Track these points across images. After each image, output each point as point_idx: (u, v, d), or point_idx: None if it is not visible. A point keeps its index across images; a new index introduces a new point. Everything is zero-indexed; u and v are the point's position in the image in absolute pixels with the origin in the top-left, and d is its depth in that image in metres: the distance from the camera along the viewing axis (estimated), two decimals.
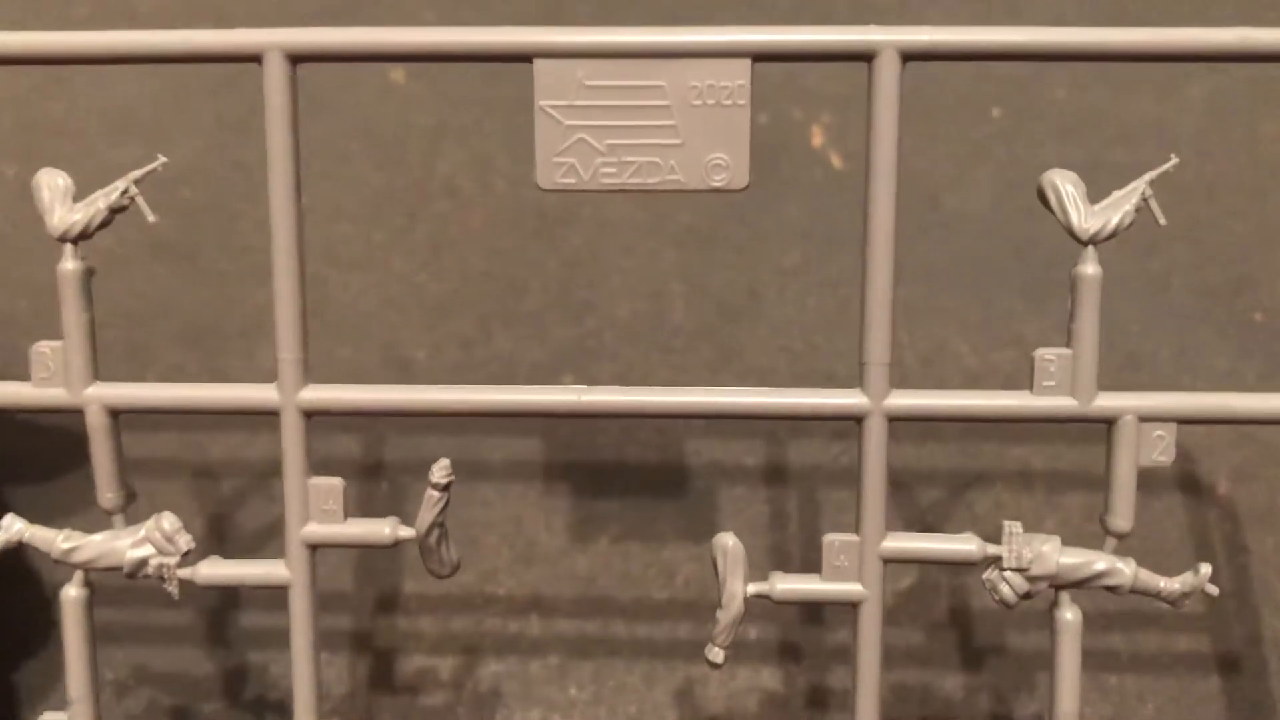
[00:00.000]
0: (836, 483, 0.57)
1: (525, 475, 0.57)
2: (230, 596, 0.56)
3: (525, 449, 0.58)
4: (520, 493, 0.57)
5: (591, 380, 0.58)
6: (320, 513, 0.43)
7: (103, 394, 0.42)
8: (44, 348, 0.42)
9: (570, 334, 0.59)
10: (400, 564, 0.57)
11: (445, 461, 0.42)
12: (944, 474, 0.56)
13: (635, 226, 0.60)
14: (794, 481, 0.57)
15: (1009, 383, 0.52)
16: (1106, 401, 0.42)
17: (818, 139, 0.61)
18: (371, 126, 0.62)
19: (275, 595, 0.54)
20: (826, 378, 0.57)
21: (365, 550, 0.54)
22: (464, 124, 0.62)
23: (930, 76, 0.61)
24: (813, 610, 0.55)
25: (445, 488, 0.42)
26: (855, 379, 0.42)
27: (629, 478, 0.57)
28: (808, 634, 0.55)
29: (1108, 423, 0.42)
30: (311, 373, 0.43)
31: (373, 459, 0.58)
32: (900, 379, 0.53)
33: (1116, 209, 0.42)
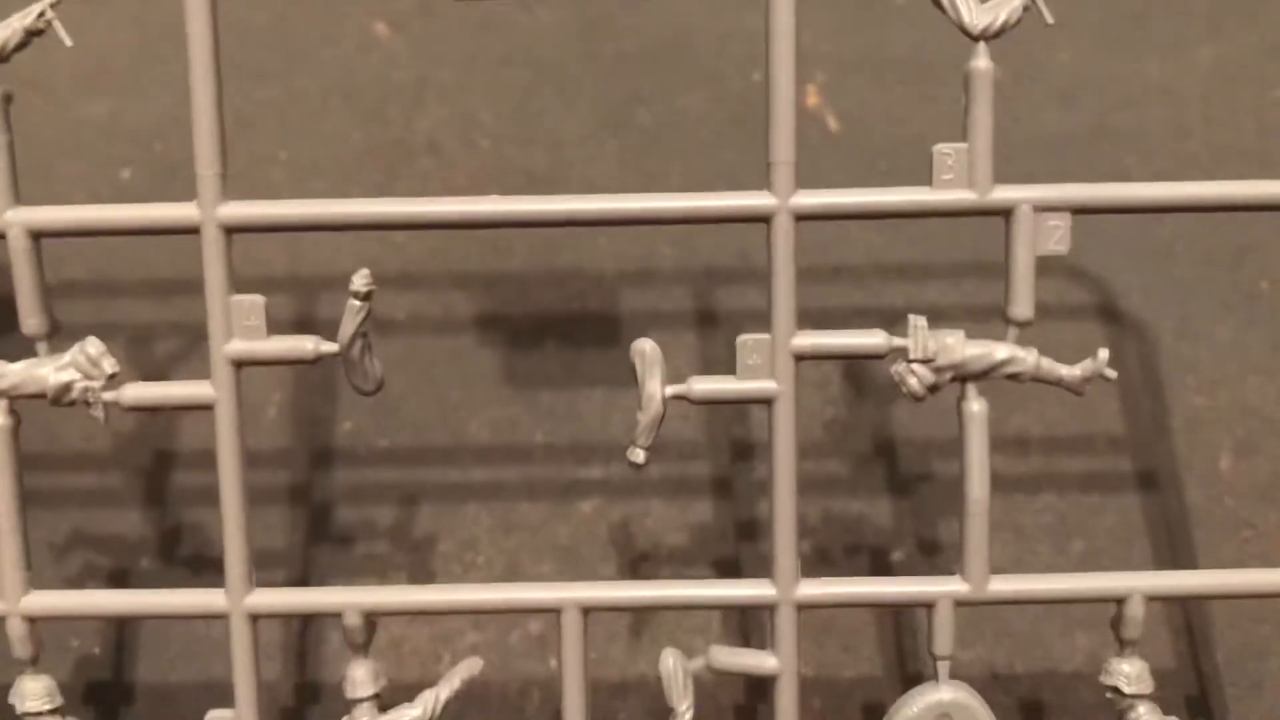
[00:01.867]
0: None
1: (456, 329, 0.58)
2: (164, 456, 0.56)
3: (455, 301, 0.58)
4: (450, 346, 0.58)
5: (577, 346, 0.58)
6: (243, 329, 0.43)
7: (24, 217, 0.43)
8: None
9: (554, 296, 0.59)
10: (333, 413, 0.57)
11: (366, 270, 0.43)
12: (854, 310, 0.58)
13: (625, 186, 0.60)
14: (722, 329, 0.58)
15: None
16: (1003, 193, 0.43)
17: (813, 99, 0.62)
18: (352, 81, 0.62)
19: (210, 452, 0.55)
20: None
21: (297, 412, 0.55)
22: (446, 79, 0.62)
23: (927, 37, 0.63)
24: (742, 448, 0.56)
25: (366, 296, 0.43)
26: None
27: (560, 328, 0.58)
28: (736, 470, 0.56)
29: (1005, 214, 0.44)
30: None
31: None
32: None
33: (1005, 6, 0.44)
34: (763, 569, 0.53)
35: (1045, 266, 0.57)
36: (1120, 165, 0.60)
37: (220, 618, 0.44)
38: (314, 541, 0.55)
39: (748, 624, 0.53)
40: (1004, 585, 0.44)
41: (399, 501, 0.56)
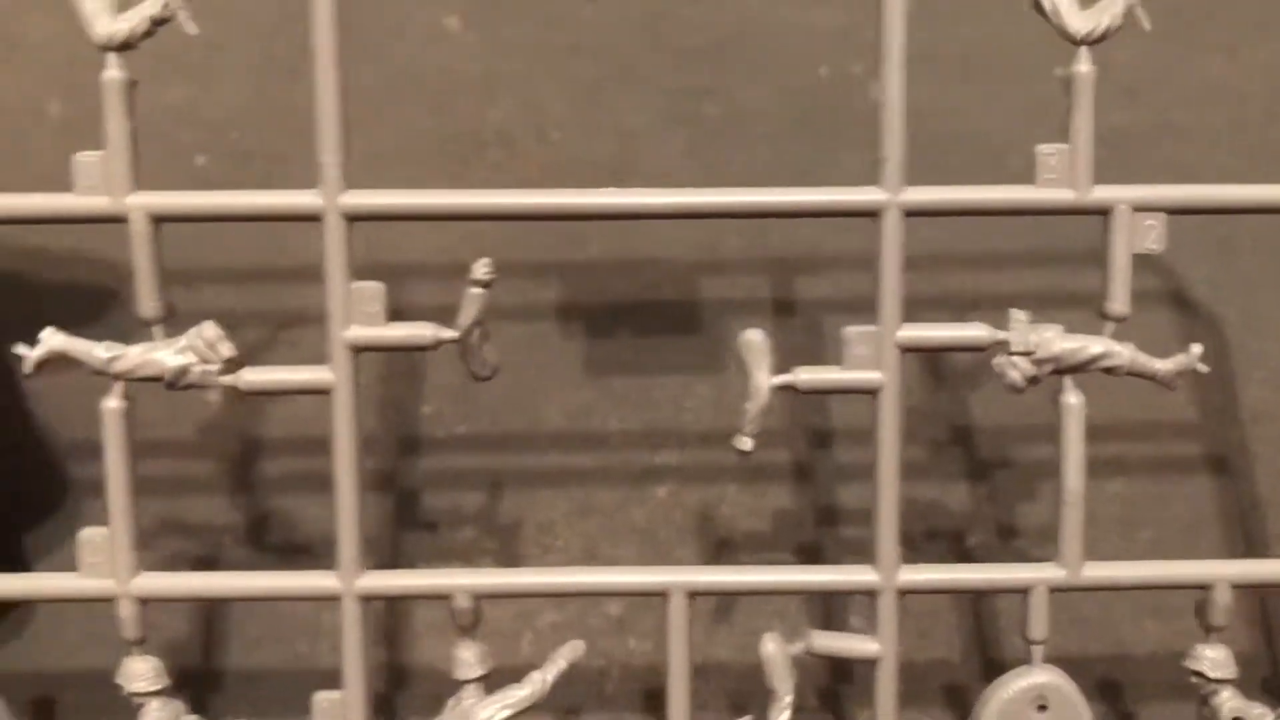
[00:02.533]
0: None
1: (532, 317, 0.59)
2: (252, 445, 0.56)
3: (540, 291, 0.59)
4: (526, 333, 0.58)
5: (650, 333, 0.59)
6: (362, 315, 0.44)
7: (145, 201, 0.43)
8: (87, 157, 0.43)
9: (627, 285, 0.59)
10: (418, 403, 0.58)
11: (487, 259, 0.43)
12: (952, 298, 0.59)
13: (693, 178, 0.61)
14: (801, 314, 0.59)
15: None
16: (1102, 193, 0.45)
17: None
18: (423, 73, 0.62)
19: (296, 441, 0.56)
20: None
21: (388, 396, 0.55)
22: (516, 72, 0.63)
23: (992, 35, 0.64)
24: (822, 435, 0.57)
25: (487, 285, 0.43)
26: None
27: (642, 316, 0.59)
28: (817, 456, 0.57)
29: (1104, 213, 0.45)
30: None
31: None
32: None
33: (1105, 13, 0.45)
34: (842, 554, 0.54)
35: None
36: (1182, 161, 0.61)
37: (332, 599, 0.45)
38: (398, 526, 0.55)
39: (827, 607, 0.54)
40: (1098, 572, 0.45)
41: (479, 486, 0.56)
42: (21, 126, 0.61)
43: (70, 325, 0.58)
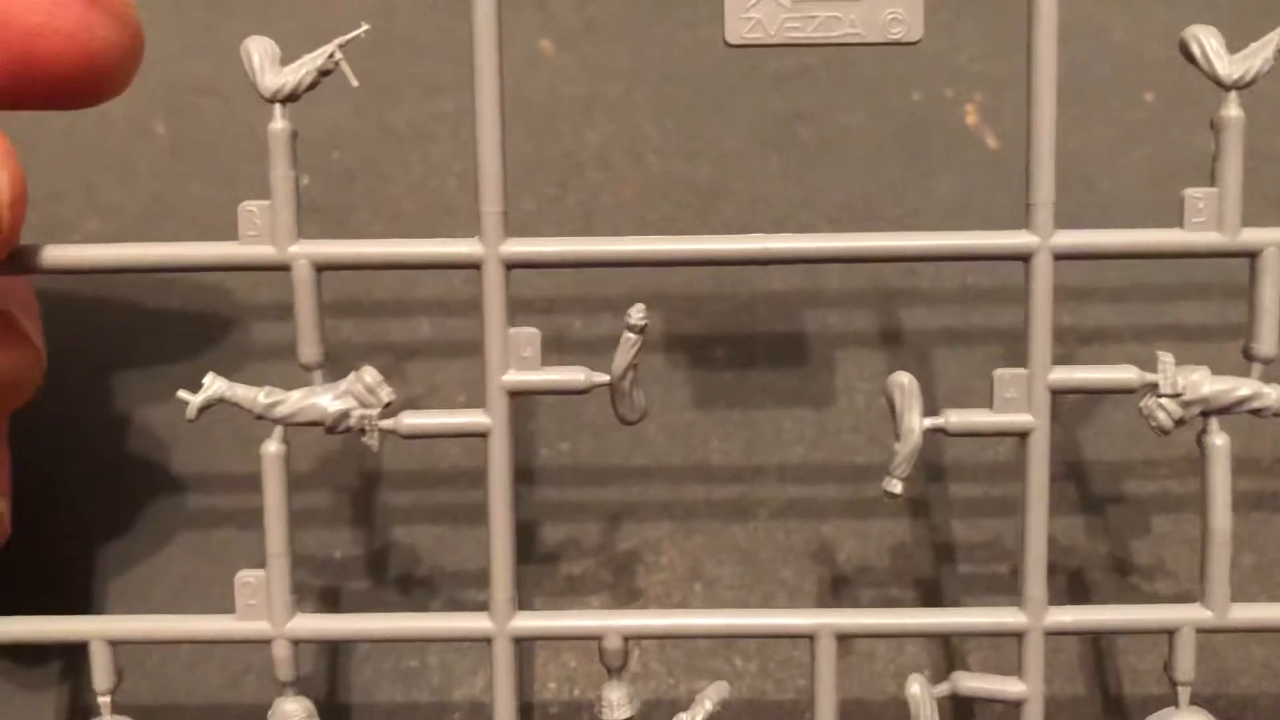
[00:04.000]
0: (951, 343, 0.59)
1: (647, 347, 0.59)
2: (370, 476, 0.56)
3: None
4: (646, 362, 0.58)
5: (747, 356, 0.59)
6: (518, 360, 0.44)
7: (308, 250, 0.43)
8: (251, 206, 0.43)
9: (723, 308, 0.60)
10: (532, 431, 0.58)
11: (641, 305, 0.44)
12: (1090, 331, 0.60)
13: (789, 200, 0.61)
14: (909, 346, 0.59)
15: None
16: (1251, 235, 0.45)
17: (971, 118, 0.63)
18: (520, 96, 0.62)
19: (413, 473, 0.56)
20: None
21: None
22: (613, 95, 0.63)
23: (1082, 60, 0.64)
24: (934, 468, 0.58)
25: (641, 330, 0.44)
26: None
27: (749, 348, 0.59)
28: (931, 490, 0.58)
29: (1251, 255, 0.46)
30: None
31: None
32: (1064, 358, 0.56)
33: (1255, 56, 0.46)
34: (960, 591, 0.55)
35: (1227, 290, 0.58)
36: (1273, 188, 0.62)
37: (485, 641, 0.45)
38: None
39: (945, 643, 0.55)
40: (1245, 613, 0.46)
41: (595, 521, 0.57)
42: (129, 147, 0.61)
43: (181, 351, 0.58)
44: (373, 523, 0.56)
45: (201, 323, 0.58)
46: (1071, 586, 0.56)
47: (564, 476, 0.58)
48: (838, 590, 0.56)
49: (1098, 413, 0.58)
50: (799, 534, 0.57)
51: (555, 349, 0.58)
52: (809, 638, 0.46)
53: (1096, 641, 0.55)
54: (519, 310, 0.58)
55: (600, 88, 0.63)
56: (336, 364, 0.47)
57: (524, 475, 0.57)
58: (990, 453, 0.58)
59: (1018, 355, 0.46)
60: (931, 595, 0.56)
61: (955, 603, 0.56)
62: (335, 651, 0.55)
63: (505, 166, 0.44)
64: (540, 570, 0.56)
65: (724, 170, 0.62)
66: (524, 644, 0.54)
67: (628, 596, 0.56)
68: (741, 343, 0.60)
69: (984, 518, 0.58)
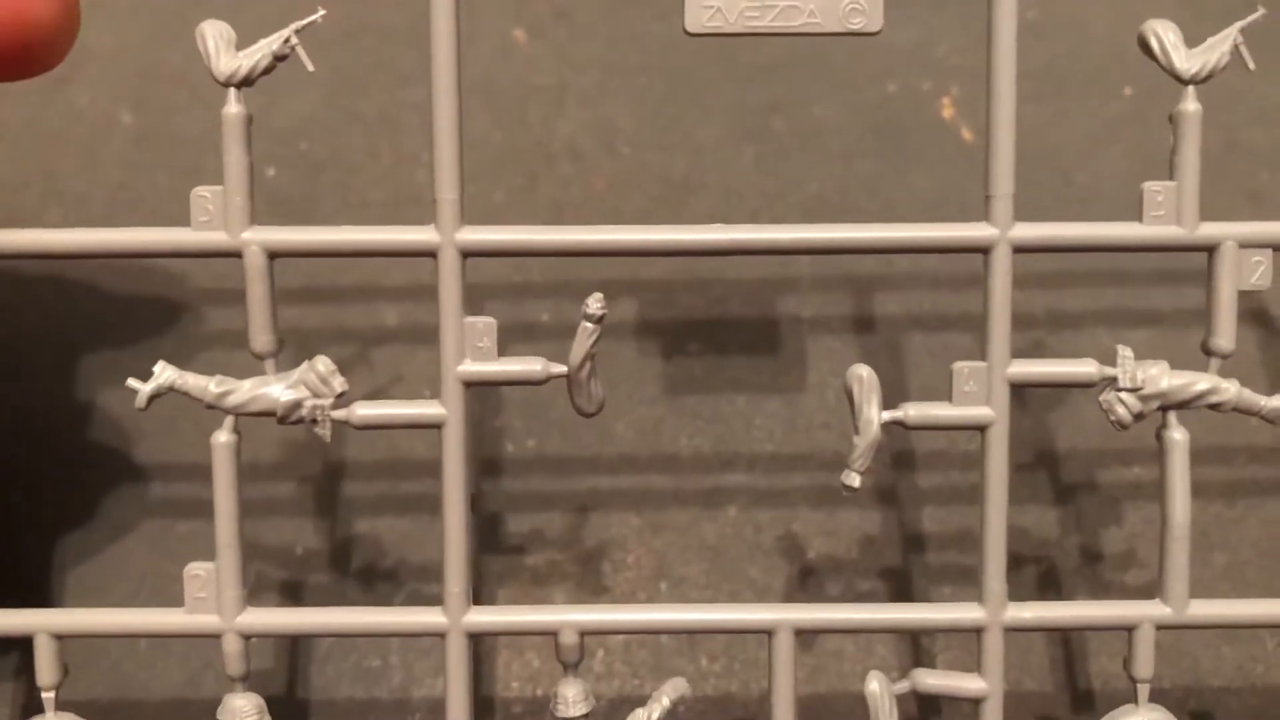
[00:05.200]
0: (925, 331, 0.60)
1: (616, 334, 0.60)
2: (333, 468, 0.57)
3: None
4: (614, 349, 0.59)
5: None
6: (474, 350, 0.45)
7: (261, 237, 0.44)
8: (204, 192, 0.44)
9: (696, 301, 0.60)
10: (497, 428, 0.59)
11: (599, 294, 0.44)
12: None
13: (763, 193, 0.62)
14: (881, 336, 0.60)
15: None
16: (1209, 230, 0.46)
17: (948, 111, 0.64)
18: (492, 85, 0.63)
19: (380, 463, 0.57)
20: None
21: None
22: (585, 85, 0.63)
23: (1061, 55, 0.66)
24: (904, 457, 0.59)
25: (599, 320, 0.44)
26: None
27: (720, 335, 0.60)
28: (901, 481, 0.58)
29: (1210, 249, 0.46)
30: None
31: None
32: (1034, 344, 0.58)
33: (1212, 51, 0.46)
34: (929, 581, 0.56)
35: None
36: (1254, 181, 0.63)
37: (438, 636, 0.46)
38: (479, 549, 0.57)
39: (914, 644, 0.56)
40: (1204, 609, 0.47)
41: (559, 511, 0.58)
42: (95, 136, 0.62)
43: (134, 336, 0.59)
44: (336, 515, 0.57)
45: (165, 311, 0.59)
46: (1041, 578, 0.57)
47: (530, 471, 0.59)
48: (805, 585, 0.57)
49: (1069, 402, 0.59)
50: (768, 530, 0.58)
51: (525, 339, 0.60)
52: (768, 633, 0.47)
53: (1066, 638, 0.56)
54: (485, 299, 0.59)
55: (573, 77, 0.64)
56: (301, 353, 0.48)
57: (490, 468, 0.58)
58: (963, 443, 0.59)
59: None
60: (901, 589, 0.57)
61: (925, 596, 0.57)
62: (295, 650, 0.56)
63: (463, 153, 0.44)
64: (505, 566, 0.57)
65: (698, 163, 0.63)
66: (487, 643, 0.55)
67: (593, 596, 0.57)
68: (713, 332, 0.61)
69: (955, 508, 0.58)
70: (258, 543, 0.56)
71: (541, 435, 0.59)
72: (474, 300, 0.60)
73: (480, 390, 0.58)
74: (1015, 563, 0.56)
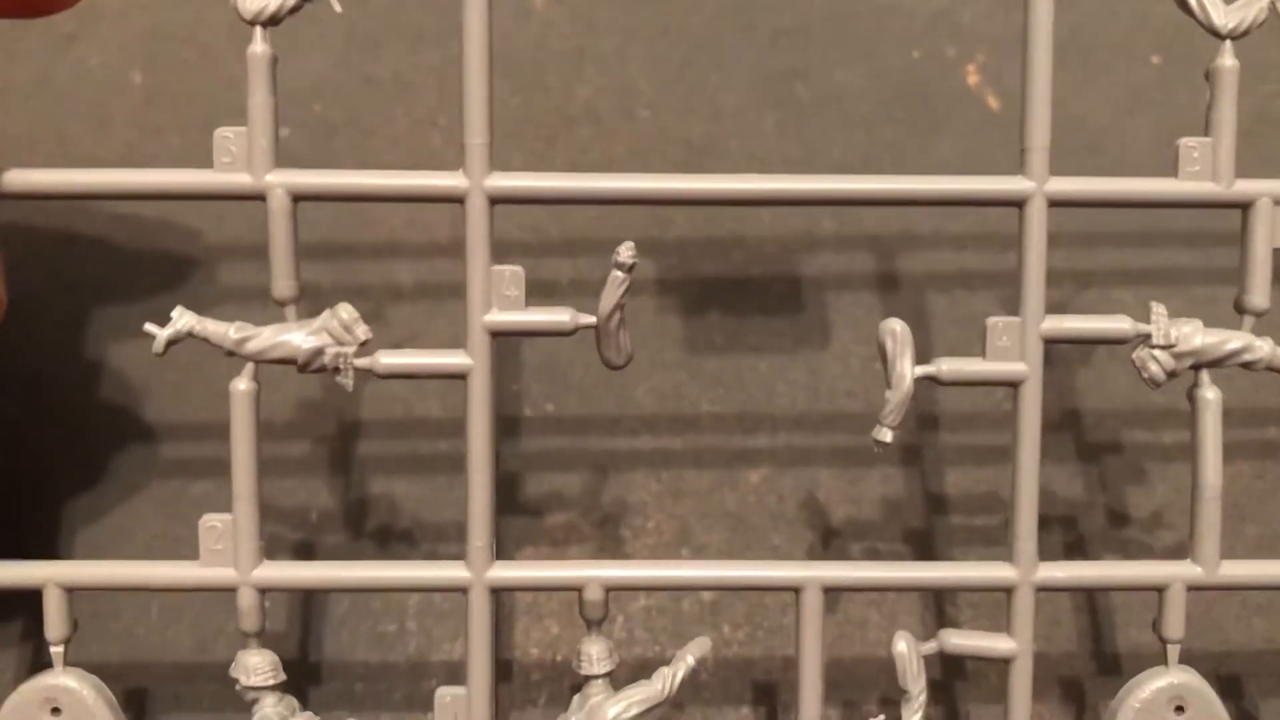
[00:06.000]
0: (951, 288, 0.60)
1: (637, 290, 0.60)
2: (350, 427, 0.57)
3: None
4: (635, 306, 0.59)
5: (740, 316, 0.60)
6: (502, 299, 0.45)
7: (286, 180, 0.44)
8: (227, 132, 0.44)
9: (717, 267, 0.61)
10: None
11: (630, 243, 0.44)
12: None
13: (784, 160, 0.62)
14: (906, 292, 0.61)
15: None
16: (1244, 186, 0.47)
17: (973, 78, 0.64)
18: (510, 48, 0.63)
19: (394, 421, 0.57)
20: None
21: None
22: (604, 49, 0.64)
23: (1088, 23, 0.66)
24: (927, 419, 0.59)
25: (629, 269, 0.45)
26: None
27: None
28: (925, 440, 0.59)
29: (1244, 206, 0.47)
30: None
31: None
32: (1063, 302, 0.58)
33: (1250, 7, 0.47)
34: (952, 542, 0.56)
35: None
36: None
37: (460, 591, 0.46)
38: (498, 509, 0.56)
39: (932, 597, 0.56)
40: (1235, 570, 0.47)
41: (566, 468, 0.58)
42: (105, 96, 0.62)
43: (144, 291, 0.59)
44: (351, 476, 0.57)
45: (177, 268, 0.59)
46: (1067, 539, 0.57)
47: (549, 434, 0.59)
48: (829, 549, 0.57)
49: (1095, 364, 0.60)
50: (790, 486, 0.58)
51: (544, 295, 0.59)
52: (795, 590, 0.47)
53: (1093, 604, 0.56)
54: (507, 255, 0.59)
55: (592, 41, 0.64)
56: (318, 311, 0.48)
57: (508, 427, 0.58)
58: (988, 401, 0.59)
59: (1016, 301, 0.47)
60: (923, 549, 0.57)
61: (947, 557, 0.57)
62: (310, 615, 0.56)
63: (492, 99, 0.44)
64: (525, 531, 0.57)
65: (718, 128, 0.63)
66: (505, 610, 0.55)
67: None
68: (735, 294, 0.61)
69: (980, 468, 0.59)
70: (271, 504, 0.56)
71: (559, 399, 0.59)
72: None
73: (501, 351, 0.59)
74: (1041, 524, 0.57)
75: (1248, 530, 0.58)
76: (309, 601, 0.55)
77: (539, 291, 0.58)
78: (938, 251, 0.61)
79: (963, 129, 0.63)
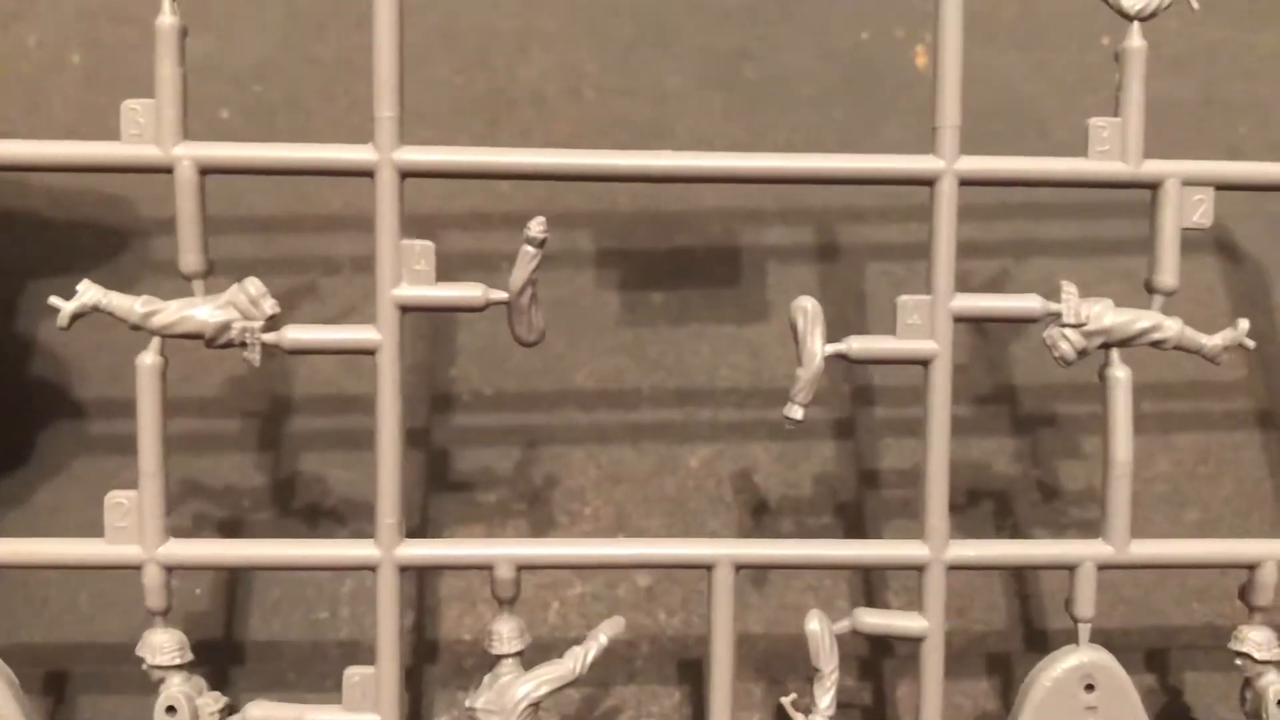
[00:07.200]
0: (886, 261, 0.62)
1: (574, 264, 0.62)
2: (280, 402, 0.59)
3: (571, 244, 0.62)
4: (571, 281, 0.61)
5: (684, 297, 0.61)
6: (411, 273, 0.46)
7: (194, 153, 0.46)
8: (134, 104, 0.46)
9: (660, 249, 0.62)
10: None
11: (541, 218, 0.46)
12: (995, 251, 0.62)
13: (732, 142, 0.64)
14: (844, 264, 0.62)
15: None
16: (1153, 167, 0.48)
17: (922, 59, 0.65)
18: (455, 28, 0.65)
19: (327, 399, 0.58)
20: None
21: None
22: (549, 29, 0.65)
23: (1038, 4, 0.67)
24: (861, 392, 0.60)
25: (540, 243, 0.46)
26: None
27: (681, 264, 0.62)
28: (858, 415, 0.60)
29: (1153, 186, 0.48)
30: None
31: None
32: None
33: None
34: (884, 518, 0.57)
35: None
36: (1233, 135, 0.64)
37: (368, 569, 0.48)
38: (425, 488, 0.58)
39: (866, 579, 0.57)
40: (1145, 549, 0.48)
41: (507, 448, 0.59)
42: (44, 76, 0.64)
43: (80, 267, 0.60)
44: (281, 453, 0.59)
45: (110, 242, 0.61)
46: (998, 512, 0.58)
47: (486, 414, 0.60)
48: (763, 525, 0.59)
49: (1030, 334, 0.60)
50: (729, 469, 0.59)
51: (484, 268, 0.61)
52: (708, 568, 0.48)
53: (1021, 581, 0.57)
54: (441, 227, 0.61)
55: (536, 21, 0.66)
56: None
57: (443, 407, 0.60)
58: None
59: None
60: (856, 525, 0.59)
61: (881, 532, 0.59)
62: (238, 600, 0.57)
63: (403, 69, 0.46)
64: (460, 511, 0.59)
65: (665, 109, 0.65)
66: (440, 595, 0.57)
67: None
68: (678, 270, 0.62)
69: (917, 440, 0.59)
70: (200, 482, 0.58)
71: (500, 383, 0.60)
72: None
73: (433, 335, 0.60)
74: (973, 498, 0.59)
75: (1188, 515, 0.59)
76: (239, 586, 0.57)
77: (484, 266, 0.59)
78: (880, 227, 0.62)
79: (911, 110, 0.64)
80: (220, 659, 0.56)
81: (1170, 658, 0.57)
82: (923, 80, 0.66)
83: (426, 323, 0.60)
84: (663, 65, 0.66)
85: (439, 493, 0.58)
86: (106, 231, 0.61)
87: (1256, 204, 0.60)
